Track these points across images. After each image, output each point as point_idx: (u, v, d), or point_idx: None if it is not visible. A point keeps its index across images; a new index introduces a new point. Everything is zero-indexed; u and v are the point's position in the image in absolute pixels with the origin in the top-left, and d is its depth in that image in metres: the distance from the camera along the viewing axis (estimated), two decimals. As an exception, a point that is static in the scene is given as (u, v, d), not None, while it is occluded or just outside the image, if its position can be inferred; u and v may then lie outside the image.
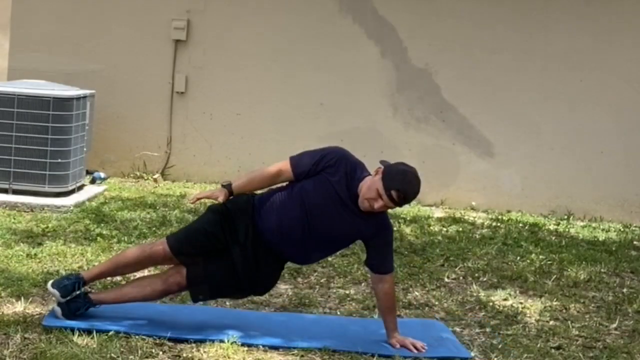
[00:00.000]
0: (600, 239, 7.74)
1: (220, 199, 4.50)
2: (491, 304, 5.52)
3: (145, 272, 5.06)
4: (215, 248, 4.51)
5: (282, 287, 5.52)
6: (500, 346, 4.75)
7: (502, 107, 8.90)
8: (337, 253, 6.27)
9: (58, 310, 4.50)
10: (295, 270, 5.78)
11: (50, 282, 4.61)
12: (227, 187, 4.54)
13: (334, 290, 5.60)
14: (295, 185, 4.54)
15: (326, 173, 4.48)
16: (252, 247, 4.48)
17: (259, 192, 4.65)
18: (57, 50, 9.03)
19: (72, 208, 7.15)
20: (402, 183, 4.35)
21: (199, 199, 4.65)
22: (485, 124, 8.92)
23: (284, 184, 4.62)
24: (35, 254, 5.76)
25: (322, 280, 5.78)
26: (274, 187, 4.64)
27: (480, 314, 5.36)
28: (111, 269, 4.70)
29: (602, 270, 6.56)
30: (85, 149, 7.83)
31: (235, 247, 4.48)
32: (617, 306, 5.68)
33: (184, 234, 4.66)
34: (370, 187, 4.38)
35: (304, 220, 4.44)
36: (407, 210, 8.17)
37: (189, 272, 4.51)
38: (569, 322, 5.27)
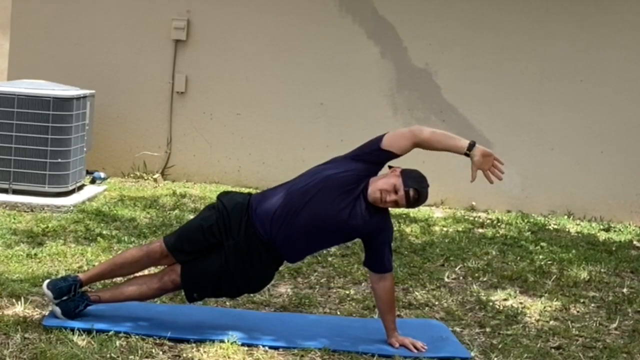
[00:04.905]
0: (600, 239, 7.74)
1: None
2: (491, 304, 5.52)
3: (145, 272, 5.06)
4: (211, 244, 4.52)
5: (282, 287, 5.52)
6: (500, 346, 4.75)
7: (502, 107, 8.90)
8: (337, 253, 6.29)
9: (57, 310, 4.50)
10: (295, 270, 5.79)
11: (46, 282, 4.60)
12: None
13: (334, 290, 5.60)
14: (313, 170, 4.61)
15: (373, 169, 4.57)
16: (246, 242, 4.49)
17: (255, 190, 4.65)
18: (57, 50, 9.03)
19: (72, 208, 7.15)
20: (421, 186, 4.52)
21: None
22: (485, 124, 8.92)
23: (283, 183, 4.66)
24: (35, 254, 5.76)
25: (322, 280, 5.78)
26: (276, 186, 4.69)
27: (480, 314, 5.36)
28: (109, 271, 4.70)
29: (602, 270, 6.56)
30: (85, 149, 7.83)
31: (229, 242, 4.50)
32: (617, 306, 5.68)
33: (180, 231, 4.70)
34: (386, 181, 4.47)
35: (306, 203, 4.45)
36: (408, 210, 8.17)
37: (184, 269, 4.53)
38: (569, 322, 5.27)
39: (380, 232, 4.56)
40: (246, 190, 8.60)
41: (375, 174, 4.57)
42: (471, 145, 4.51)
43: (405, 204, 4.50)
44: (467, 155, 4.52)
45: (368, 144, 4.58)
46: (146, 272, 4.96)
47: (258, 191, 8.48)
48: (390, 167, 4.58)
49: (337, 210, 4.46)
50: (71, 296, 4.52)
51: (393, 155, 4.53)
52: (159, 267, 4.77)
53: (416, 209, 8.28)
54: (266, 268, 4.59)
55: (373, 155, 4.54)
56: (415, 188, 4.47)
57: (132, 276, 4.75)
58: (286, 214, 4.47)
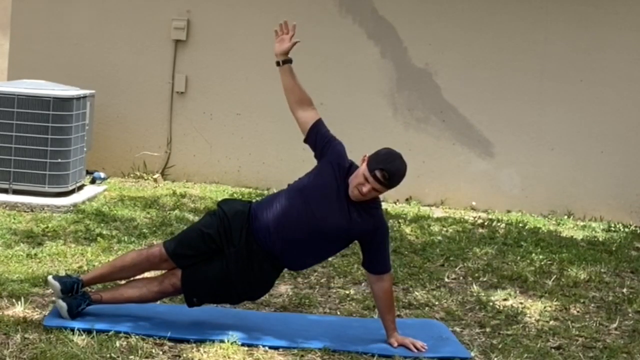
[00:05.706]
0: (600, 239, 7.74)
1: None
2: (491, 304, 5.52)
3: (146, 275, 5.06)
4: (211, 250, 4.53)
5: (282, 287, 5.52)
6: (500, 346, 4.75)
7: (502, 107, 8.90)
8: (337, 253, 6.29)
9: (64, 305, 4.48)
10: (295, 270, 5.79)
11: (51, 275, 4.65)
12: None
13: (334, 290, 5.60)
14: (295, 184, 4.64)
15: (329, 159, 4.62)
16: (247, 250, 4.50)
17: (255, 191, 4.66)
18: (57, 50, 9.03)
19: (72, 208, 7.15)
20: (385, 163, 4.46)
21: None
22: (485, 124, 8.92)
23: (278, 191, 4.68)
24: (35, 254, 5.76)
25: (322, 280, 5.78)
26: (272, 193, 4.71)
27: (480, 314, 5.36)
28: (108, 273, 4.71)
29: (602, 270, 6.56)
30: (85, 149, 7.83)
31: (230, 249, 4.50)
32: (617, 306, 5.68)
33: (180, 237, 4.71)
34: (357, 174, 4.49)
35: (301, 213, 4.48)
36: (407, 210, 8.17)
37: (184, 274, 4.54)
38: (569, 322, 5.27)
39: (375, 232, 4.55)
40: (246, 190, 8.62)
41: (336, 163, 4.59)
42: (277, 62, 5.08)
43: (381, 187, 4.45)
44: (284, 60, 5.33)
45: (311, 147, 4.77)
46: (146, 275, 4.97)
47: (258, 192, 8.57)
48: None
49: (324, 217, 4.47)
50: (73, 294, 4.53)
51: (313, 127, 4.80)
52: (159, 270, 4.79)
53: (416, 208, 8.33)
54: (267, 275, 4.60)
55: (315, 147, 4.74)
56: (380, 168, 4.41)
57: (132, 278, 4.75)
58: (278, 225, 4.49)
